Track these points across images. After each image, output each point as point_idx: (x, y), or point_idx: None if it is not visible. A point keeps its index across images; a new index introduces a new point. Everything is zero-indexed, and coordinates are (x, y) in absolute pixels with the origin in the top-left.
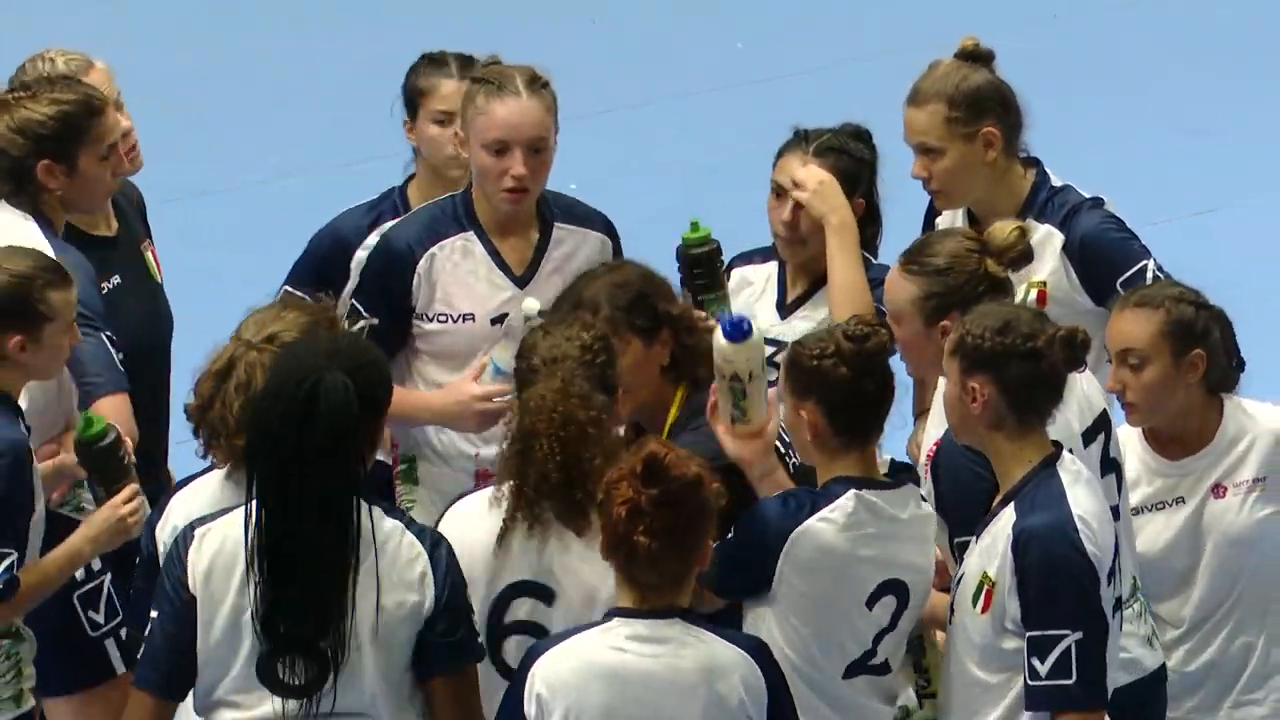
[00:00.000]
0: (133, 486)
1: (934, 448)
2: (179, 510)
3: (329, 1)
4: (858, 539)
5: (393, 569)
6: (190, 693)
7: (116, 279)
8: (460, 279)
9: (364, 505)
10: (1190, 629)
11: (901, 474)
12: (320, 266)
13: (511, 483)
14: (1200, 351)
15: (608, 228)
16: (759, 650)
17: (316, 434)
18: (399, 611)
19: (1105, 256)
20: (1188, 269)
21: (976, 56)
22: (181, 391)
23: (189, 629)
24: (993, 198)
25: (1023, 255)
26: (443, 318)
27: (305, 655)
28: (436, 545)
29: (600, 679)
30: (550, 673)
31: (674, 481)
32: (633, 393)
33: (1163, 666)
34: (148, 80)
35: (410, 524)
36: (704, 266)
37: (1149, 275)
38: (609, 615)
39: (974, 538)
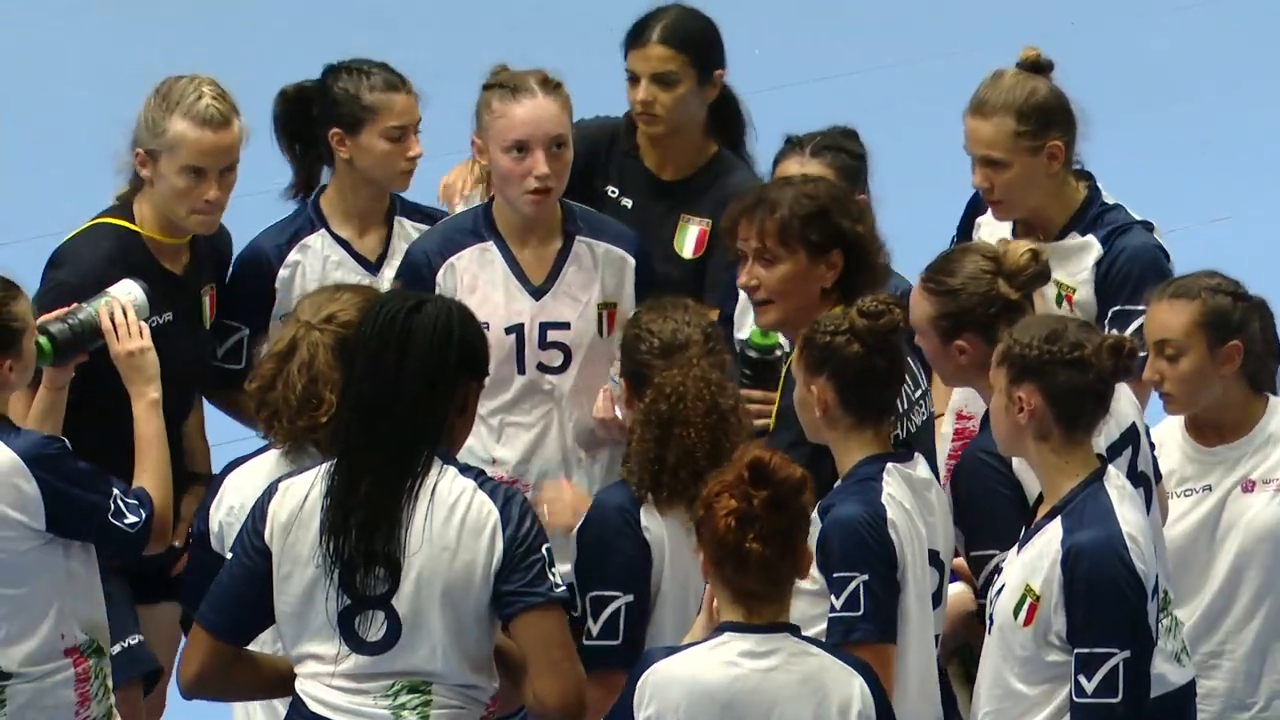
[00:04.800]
0: (102, 318)
1: (955, 448)
2: (233, 490)
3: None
4: (912, 507)
5: (462, 529)
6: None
7: (169, 315)
8: (477, 288)
9: (438, 462)
10: (1210, 624)
11: (901, 447)
12: (243, 288)
13: (650, 467)
14: (1237, 343)
15: (635, 247)
16: (867, 670)
17: (414, 354)
18: (467, 571)
19: (1133, 280)
20: None
21: (1038, 67)
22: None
23: (258, 579)
24: (1047, 208)
25: (1036, 276)
26: None
27: (382, 610)
28: (509, 501)
29: (712, 693)
30: (662, 684)
31: (781, 484)
32: (780, 303)
33: (1191, 683)
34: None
35: (484, 483)
36: (755, 369)
37: (1138, 322)
38: (720, 630)
39: (1015, 549)
